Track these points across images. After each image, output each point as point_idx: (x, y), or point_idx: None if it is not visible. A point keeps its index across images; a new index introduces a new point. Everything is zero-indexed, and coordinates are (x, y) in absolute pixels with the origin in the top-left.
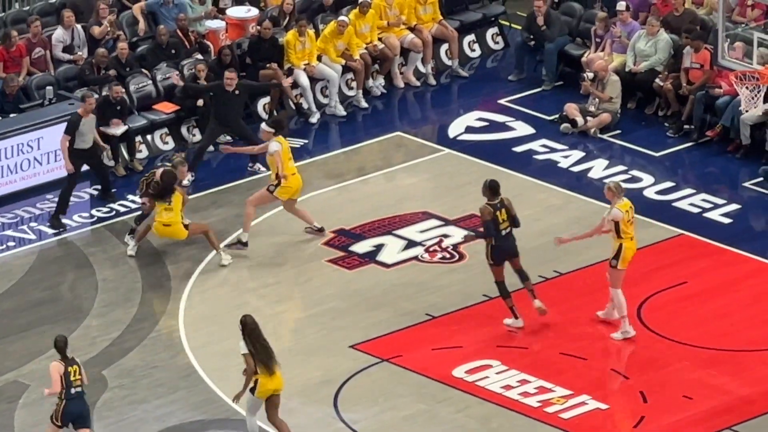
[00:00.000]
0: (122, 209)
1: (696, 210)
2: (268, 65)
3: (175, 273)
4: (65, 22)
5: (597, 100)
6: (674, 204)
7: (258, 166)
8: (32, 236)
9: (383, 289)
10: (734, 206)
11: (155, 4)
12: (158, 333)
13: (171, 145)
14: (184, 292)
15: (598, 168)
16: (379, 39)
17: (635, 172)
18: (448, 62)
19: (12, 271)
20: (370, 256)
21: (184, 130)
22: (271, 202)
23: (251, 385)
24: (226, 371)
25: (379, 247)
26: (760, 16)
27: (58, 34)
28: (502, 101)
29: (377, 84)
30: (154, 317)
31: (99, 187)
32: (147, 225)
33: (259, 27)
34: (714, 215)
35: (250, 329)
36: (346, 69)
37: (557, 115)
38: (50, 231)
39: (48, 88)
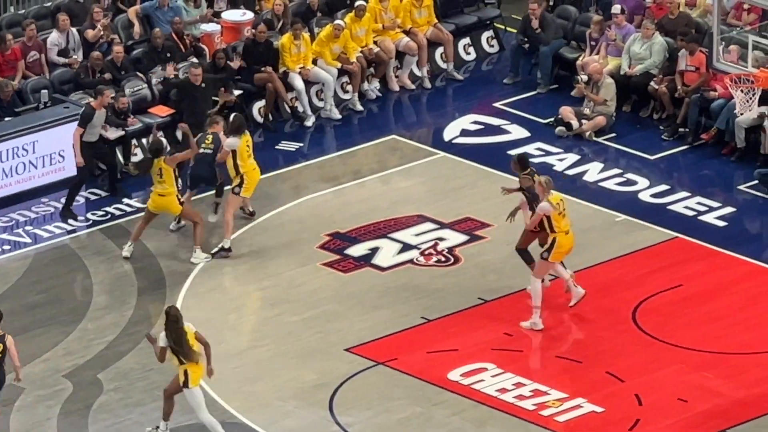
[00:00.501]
0: (117, 212)
1: (691, 213)
2: (263, 69)
3: (170, 276)
4: (60, 25)
5: (591, 103)
6: (669, 207)
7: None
8: (27, 240)
9: (378, 292)
10: (729, 209)
11: (150, 7)
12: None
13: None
14: (179, 295)
15: (593, 171)
16: (375, 42)
17: (630, 175)
18: (444, 65)
19: (8, 275)
20: (366, 260)
21: (179, 134)
22: (243, 203)
23: (183, 378)
24: (221, 374)
25: (374, 251)
26: (756, 19)
27: (53, 37)
28: (497, 104)
29: (372, 87)
30: (150, 320)
31: (106, 182)
32: (141, 224)
33: (254, 30)
34: (709, 218)
35: (171, 321)
36: (341, 72)
37: (552, 119)
38: (45, 235)
39: (43, 91)
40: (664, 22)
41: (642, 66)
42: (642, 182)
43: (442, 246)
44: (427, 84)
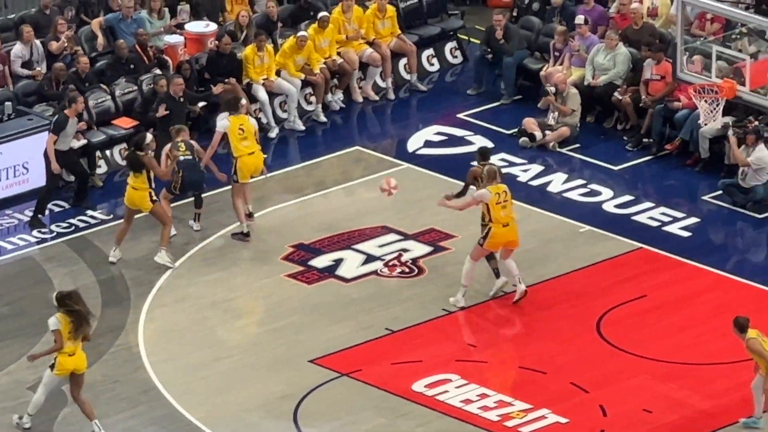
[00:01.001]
0: (81, 224)
1: (655, 223)
2: (226, 80)
3: (135, 287)
4: (24, 37)
5: (557, 113)
6: (633, 217)
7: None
8: None
9: (343, 303)
10: (693, 219)
11: (114, 19)
12: (118, 348)
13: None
14: (143, 306)
15: (557, 182)
16: (338, 53)
17: (594, 186)
18: (407, 76)
19: None
20: (330, 271)
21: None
22: (246, 189)
23: (51, 362)
24: (187, 386)
25: (338, 262)
26: (719, 29)
27: (17, 49)
28: (460, 115)
29: (336, 98)
30: (115, 332)
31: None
32: (124, 226)
33: (217, 42)
34: (673, 228)
35: (72, 300)
36: (305, 83)
37: (516, 129)
38: (9, 246)
39: (7, 103)
40: (628, 33)
41: (606, 77)
42: (606, 193)
43: (406, 257)
44: (391, 95)
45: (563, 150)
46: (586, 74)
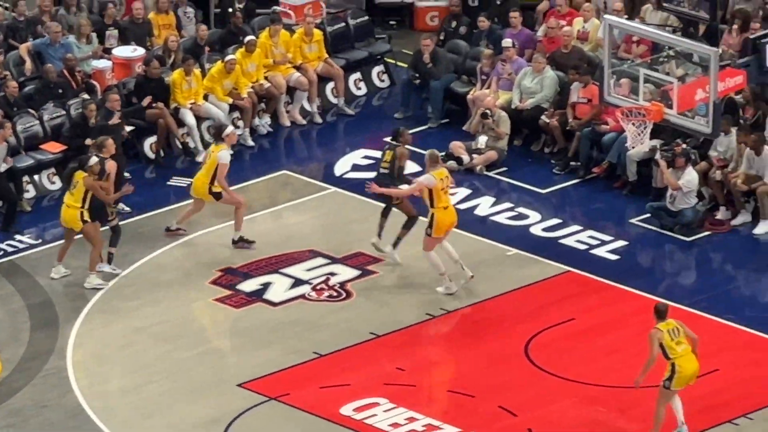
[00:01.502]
0: (9, 249)
1: (583, 247)
2: (154, 105)
3: (63, 312)
4: None
5: (488, 137)
6: (561, 241)
7: (121, 205)
8: None
9: (270, 327)
10: (621, 243)
11: (42, 44)
12: (47, 372)
13: (58, 185)
14: (72, 330)
15: (484, 205)
16: (265, 77)
17: (522, 209)
18: (334, 100)
19: None
20: (258, 295)
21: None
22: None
23: None
24: (115, 410)
25: (266, 286)
26: (646, 52)
27: None
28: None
29: (263, 122)
30: (43, 356)
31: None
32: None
33: (145, 67)
34: (601, 252)
35: None
36: (232, 108)
37: (443, 153)
38: None
39: None
40: (556, 56)
41: (533, 100)
42: (534, 216)
43: (333, 281)
44: (318, 119)
45: (490, 173)
46: (513, 98)
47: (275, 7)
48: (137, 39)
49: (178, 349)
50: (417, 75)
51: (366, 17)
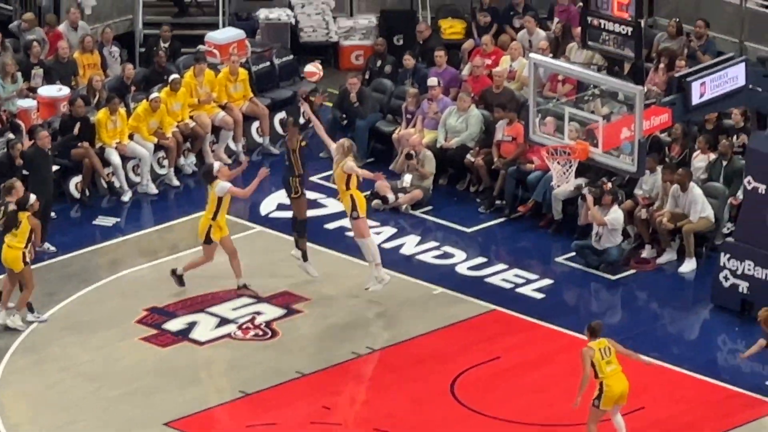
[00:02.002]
0: None
1: (509, 285)
2: (79, 144)
3: None
4: None
5: (413, 177)
6: (487, 279)
7: (47, 245)
8: None
9: (197, 366)
10: (547, 281)
11: None
12: None
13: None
14: None
15: (410, 244)
16: (191, 117)
17: (447, 248)
18: (260, 140)
19: None
20: (184, 334)
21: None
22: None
23: None
24: None
25: (192, 325)
26: (571, 90)
27: None
28: (313, 178)
29: (189, 162)
30: None
31: None
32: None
33: (70, 106)
34: (527, 290)
35: None
36: (157, 147)
37: (369, 192)
38: None
39: None
40: (487, 96)
41: (458, 139)
42: (459, 255)
43: (259, 320)
44: (243, 158)
45: (416, 212)
46: (438, 136)
47: (200, 47)
48: (62, 78)
49: (104, 388)
50: (342, 114)
51: (291, 56)
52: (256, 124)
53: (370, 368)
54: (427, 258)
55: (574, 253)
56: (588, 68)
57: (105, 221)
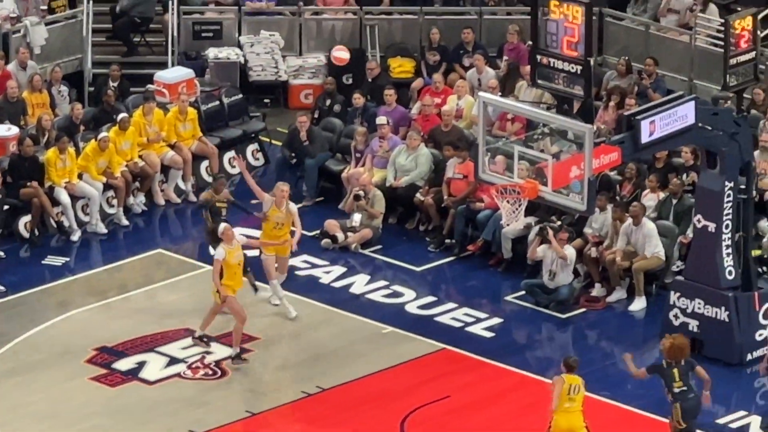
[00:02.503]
0: None
1: (458, 324)
2: (28, 183)
3: None
4: None
5: (362, 216)
6: (436, 318)
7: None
8: None
9: (146, 406)
10: (496, 320)
11: None
12: None
13: None
14: None
15: (359, 283)
16: (140, 156)
17: (397, 287)
18: (209, 179)
19: None
20: (133, 373)
21: None
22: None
23: None
24: None
25: (141, 364)
26: (520, 129)
27: None
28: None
29: (138, 201)
30: None
31: None
32: None
33: (19, 145)
34: (476, 329)
35: None
36: (106, 186)
37: (318, 231)
38: None
39: None
40: (435, 134)
41: (408, 178)
42: (409, 294)
43: (209, 359)
44: (193, 197)
45: (365, 251)
46: (387, 175)
47: (149, 86)
48: (11, 117)
49: (53, 429)
50: (292, 153)
51: (240, 95)
52: (205, 163)
53: (320, 408)
54: (377, 297)
55: (523, 292)
56: (537, 107)
57: (54, 261)
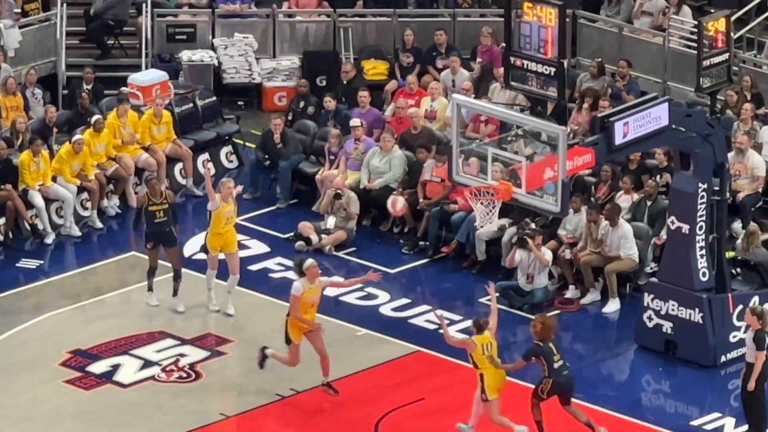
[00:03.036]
0: None
1: (432, 326)
2: (2, 186)
3: None
4: None
5: (336, 217)
6: (410, 320)
7: None
8: None
9: (121, 409)
10: (470, 322)
11: None
12: None
13: None
14: None
15: None
16: (114, 159)
17: (371, 290)
18: (183, 181)
19: None
20: (107, 376)
21: None
22: None
23: None
24: None
25: (115, 367)
26: (494, 131)
27: None
28: (237, 219)
29: (112, 204)
30: None
31: None
32: None
33: None
34: (450, 331)
35: None
36: (80, 189)
37: (292, 233)
38: None
39: None
40: (406, 137)
41: (382, 180)
42: (383, 296)
43: (183, 362)
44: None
45: (340, 254)
46: (362, 177)
47: (123, 88)
48: None
49: None
50: (266, 155)
51: (214, 98)
52: (179, 166)
53: (294, 410)
54: (351, 299)
55: (497, 294)
56: (511, 108)
57: (28, 263)
